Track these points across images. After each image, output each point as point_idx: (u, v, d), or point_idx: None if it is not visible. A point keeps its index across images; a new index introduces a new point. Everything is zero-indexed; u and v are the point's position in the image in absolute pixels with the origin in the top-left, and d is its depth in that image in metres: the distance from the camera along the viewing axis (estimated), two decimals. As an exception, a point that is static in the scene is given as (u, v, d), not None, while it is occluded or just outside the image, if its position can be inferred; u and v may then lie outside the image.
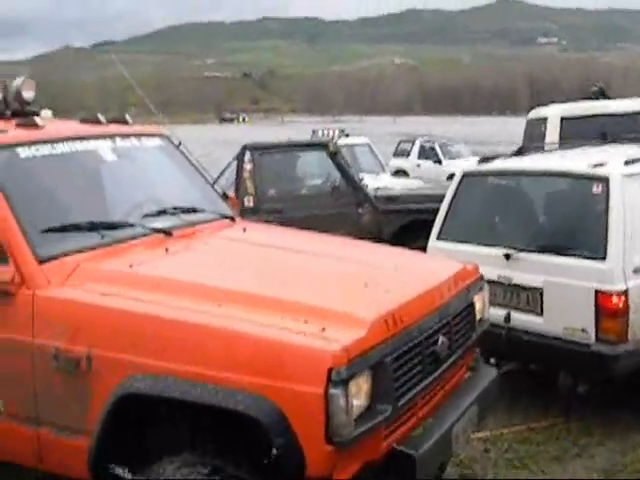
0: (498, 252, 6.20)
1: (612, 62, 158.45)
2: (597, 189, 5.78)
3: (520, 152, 7.17)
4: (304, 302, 3.49)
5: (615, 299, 5.53)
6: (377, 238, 9.75)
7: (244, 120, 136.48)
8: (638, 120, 11.30)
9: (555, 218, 6.32)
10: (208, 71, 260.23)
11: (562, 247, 5.93)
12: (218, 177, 10.34)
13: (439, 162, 26.81)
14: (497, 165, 6.75)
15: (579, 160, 6.20)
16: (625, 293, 5.53)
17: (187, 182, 5.36)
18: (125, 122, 5.15)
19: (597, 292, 5.59)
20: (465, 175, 6.87)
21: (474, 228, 6.76)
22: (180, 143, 5.70)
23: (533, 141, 12.07)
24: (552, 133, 11.36)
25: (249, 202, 9.97)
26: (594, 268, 5.64)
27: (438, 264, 4.73)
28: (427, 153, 27.68)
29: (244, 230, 4.93)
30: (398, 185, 13.97)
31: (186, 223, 4.62)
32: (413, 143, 28.66)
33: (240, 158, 10.11)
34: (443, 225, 6.88)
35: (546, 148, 8.35)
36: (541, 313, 5.99)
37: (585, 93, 19.07)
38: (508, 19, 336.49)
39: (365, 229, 9.87)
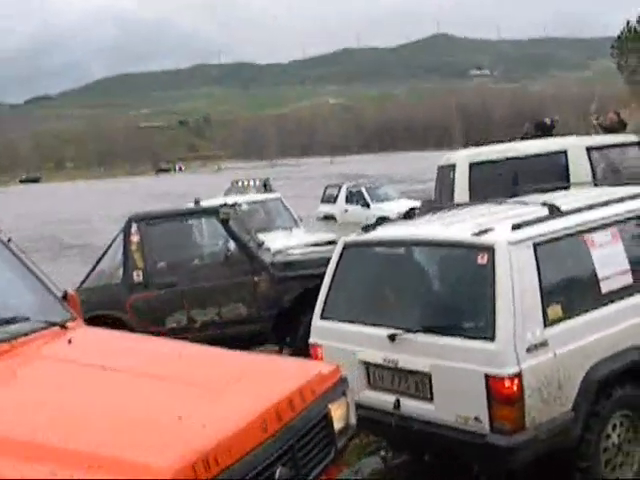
0: (382, 333, 5.57)
1: (543, 90, 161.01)
2: (482, 260, 5.19)
3: (409, 215, 6.57)
4: (90, 451, 2.87)
5: (507, 383, 4.92)
6: (277, 307, 9.17)
7: (180, 169, 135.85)
8: (548, 161, 10.89)
9: (440, 294, 5.71)
10: (144, 121, 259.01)
11: (448, 327, 5.32)
12: (103, 254, 9.69)
13: (367, 206, 26.43)
14: (379, 234, 6.14)
15: (465, 226, 5.59)
16: (518, 376, 4.92)
17: (9, 286, 4.65)
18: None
19: (487, 377, 4.98)
20: (346, 246, 6.25)
21: (358, 305, 6.15)
22: (10, 239, 5.02)
23: (443, 189, 11.60)
24: (461, 180, 10.88)
25: (138, 277, 9.33)
26: (482, 350, 5.03)
27: (285, 374, 4.06)
28: (354, 197, 27.36)
29: (69, 342, 4.23)
30: (312, 238, 13.40)
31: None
32: (339, 188, 28.33)
33: (126, 231, 9.46)
34: (326, 302, 6.25)
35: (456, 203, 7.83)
36: (431, 399, 5.37)
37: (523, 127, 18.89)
38: (441, 53, 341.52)
39: (263, 298, 9.27)
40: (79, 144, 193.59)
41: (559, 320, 5.17)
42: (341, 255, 6.22)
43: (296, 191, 44.21)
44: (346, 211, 27.12)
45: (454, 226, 5.72)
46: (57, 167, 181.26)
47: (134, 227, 9.45)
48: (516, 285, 5.03)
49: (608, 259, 5.55)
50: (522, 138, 17.73)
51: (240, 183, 25.12)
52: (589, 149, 10.94)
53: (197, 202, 14.84)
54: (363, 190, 27.22)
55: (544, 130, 18.28)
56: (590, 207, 5.75)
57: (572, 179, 10.73)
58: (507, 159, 10.91)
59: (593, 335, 5.28)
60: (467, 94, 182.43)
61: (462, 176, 10.90)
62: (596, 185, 10.73)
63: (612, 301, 5.48)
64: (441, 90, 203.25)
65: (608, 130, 18.50)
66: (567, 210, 5.61)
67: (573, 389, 5.16)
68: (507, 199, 6.67)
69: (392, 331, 5.51)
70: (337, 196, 28.15)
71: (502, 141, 14.05)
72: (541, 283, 5.14)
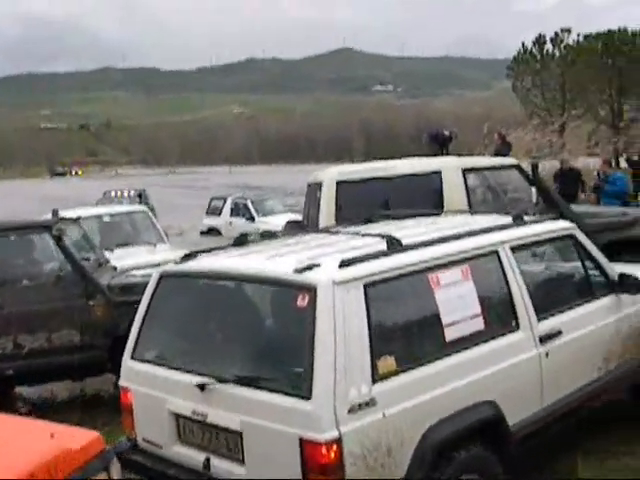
0: (192, 380, 4.72)
1: (443, 107, 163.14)
2: (302, 302, 4.38)
3: (241, 241, 5.72)
4: None
5: (324, 450, 4.12)
6: (113, 334, 8.22)
7: (77, 173, 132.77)
8: (421, 182, 10.23)
9: (257, 339, 4.86)
10: (44, 122, 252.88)
11: (263, 379, 4.49)
12: None
13: (252, 219, 25.56)
14: (199, 265, 5.27)
15: (291, 259, 4.77)
16: (337, 442, 4.13)
17: None
18: None
19: (302, 441, 4.18)
20: (163, 276, 5.37)
21: (171, 346, 5.30)
22: None
23: (311, 209, 10.85)
24: (327, 200, 10.13)
25: (-39, 297, 8.24)
26: (297, 409, 4.22)
27: (29, 445, 3.18)
28: (239, 210, 26.44)
29: None
30: (172, 256, 12.41)
31: None
32: (225, 200, 27.37)
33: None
34: (138, 340, 5.37)
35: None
36: (243, 462, 4.54)
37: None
38: (346, 67, 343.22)
39: (98, 324, 8.32)
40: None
41: (391, 374, 4.40)
42: (157, 286, 5.35)
43: (189, 201, 43.09)
44: (230, 224, 26.14)
45: (280, 259, 4.88)
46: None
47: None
48: (339, 333, 4.24)
49: (455, 302, 4.83)
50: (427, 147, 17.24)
51: (113, 193, 23.95)
52: (465, 171, 10.33)
53: (55, 213, 13.78)
54: (249, 203, 26.28)
55: (441, 142, 17.80)
56: (438, 240, 5.01)
57: (446, 203, 10.11)
58: (377, 178, 10.22)
59: (433, 391, 4.54)
60: (370, 109, 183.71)
61: (328, 195, 10.15)
62: (471, 212, 10.18)
63: (458, 350, 4.76)
64: (344, 104, 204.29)
65: (494, 152, 18.23)
66: (409, 244, 4.85)
67: (406, 454, 4.39)
68: (345, 227, 5.86)
69: (202, 379, 4.66)
70: (222, 208, 27.16)
71: (406, 156, 13.49)
72: (371, 331, 4.37)
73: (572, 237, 5.91)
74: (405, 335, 4.67)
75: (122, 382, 5.40)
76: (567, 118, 32.83)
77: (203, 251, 5.53)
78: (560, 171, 17.17)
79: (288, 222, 11.49)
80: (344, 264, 4.45)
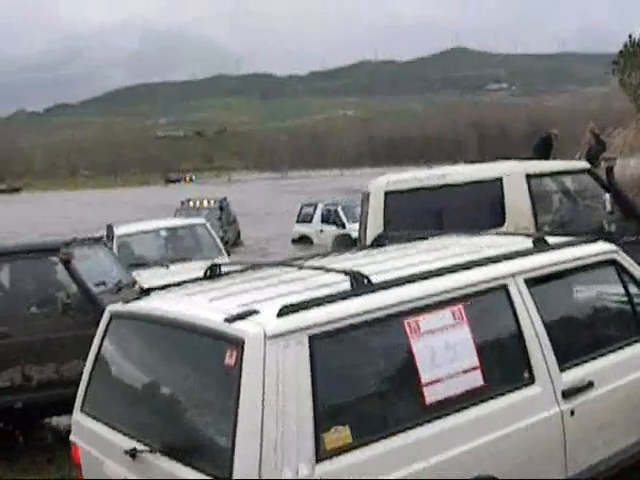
0: (126, 445, 3.89)
1: (559, 105, 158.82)
2: (230, 359, 3.50)
3: (212, 273, 4.85)
4: None
5: None
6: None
7: (192, 180, 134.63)
8: (479, 191, 9.18)
9: (187, 400, 3.94)
10: (161, 131, 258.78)
11: (187, 451, 3.62)
12: None
13: (343, 226, 24.61)
14: (144, 305, 4.42)
15: (231, 302, 3.88)
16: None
17: None
18: None
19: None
20: (112, 316, 4.57)
21: (112, 400, 4.46)
22: None
23: (362, 221, 9.94)
24: (375, 212, 9.21)
25: (-32, 324, 7.68)
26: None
27: None
28: (330, 217, 25.48)
29: None
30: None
31: None
32: (315, 207, 26.50)
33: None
34: (87, 390, 4.57)
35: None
36: None
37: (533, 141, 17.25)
38: (459, 67, 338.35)
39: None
40: (94, 153, 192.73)
41: (344, 450, 3.48)
42: (106, 327, 4.55)
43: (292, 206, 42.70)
44: (321, 231, 25.28)
45: (222, 302, 3.97)
46: (71, 175, 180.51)
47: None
48: (270, 399, 3.35)
49: (441, 353, 3.85)
50: (533, 150, 16.13)
51: (192, 203, 23.31)
52: (530, 177, 9.22)
53: (109, 228, 13.27)
54: (339, 209, 25.33)
55: (544, 145, 16.62)
56: (422, 275, 4.03)
57: (508, 214, 9.04)
58: (430, 188, 9.22)
59: (404, 469, 3.59)
60: (484, 108, 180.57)
61: (376, 207, 9.23)
62: (537, 228, 9.06)
63: (444, 415, 3.78)
64: (457, 104, 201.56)
65: (587, 152, 16.86)
66: (380, 282, 3.88)
67: None
68: (311, 261, 4.88)
69: (133, 444, 3.84)
70: (313, 215, 26.33)
71: (519, 157, 12.62)
72: (317, 395, 3.46)
73: (614, 263, 4.81)
74: (366, 399, 3.72)
75: (71, 436, 4.63)
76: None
77: (167, 285, 4.71)
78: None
79: (336, 237, 10.56)
80: (285, 311, 3.54)
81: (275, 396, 3.35)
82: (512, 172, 9.21)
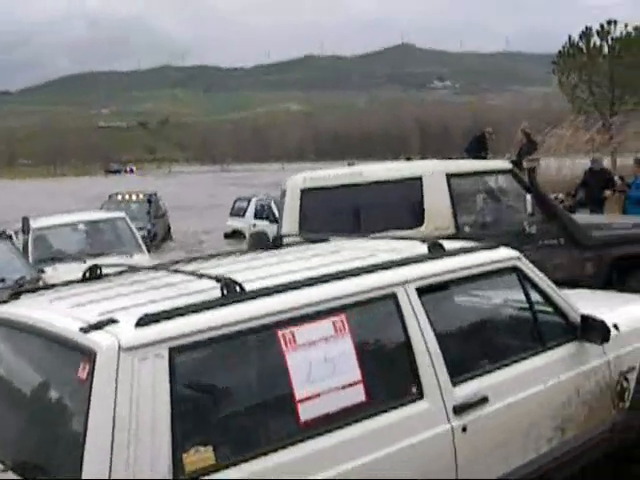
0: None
1: (501, 104, 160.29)
2: (82, 372, 3.19)
3: (92, 275, 4.51)
4: None
5: None
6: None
7: (131, 171, 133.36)
8: (398, 190, 8.95)
9: (43, 415, 3.60)
10: (104, 121, 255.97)
11: (38, 468, 3.30)
12: None
13: (276, 221, 24.23)
14: (4, 310, 4.06)
15: (93, 309, 3.56)
16: None
17: None
18: None
19: None
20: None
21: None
22: None
23: (279, 219, 9.67)
24: (290, 210, 8.92)
25: None
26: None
27: None
28: (264, 212, 25.12)
29: None
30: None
31: None
32: (249, 201, 26.11)
33: None
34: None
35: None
36: None
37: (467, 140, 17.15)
38: (403, 64, 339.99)
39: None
40: (34, 142, 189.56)
41: (207, 471, 3.19)
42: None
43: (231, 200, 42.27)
44: (254, 226, 24.89)
45: (84, 308, 3.64)
46: (9, 164, 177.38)
47: None
48: (124, 416, 3.04)
49: (320, 367, 3.57)
50: (466, 151, 15.98)
51: (120, 197, 22.71)
52: (450, 176, 9.03)
53: (25, 220, 12.80)
54: (272, 204, 25.00)
55: (478, 143, 16.50)
56: (303, 283, 3.74)
57: (427, 214, 8.84)
58: (348, 185, 8.96)
59: (273, 492, 3.30)
60: (427, 105, 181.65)
61: (291, 205, 8.95)
62: (457, 228, 8.88)
63: (319, 434, 3.50)
64: (401, 100, 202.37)
65: (518, 151, 16.81)
66: (254, 290, 3.59)
67: None
68: (190, 265, 4.56)
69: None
70: (246, 210, 25.95)
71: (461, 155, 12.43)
72: (176, 412, 3.16)
73: (516, 269, 4.57)
74: (233, 417, 3.42)
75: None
76: (616, 114, 31.09)
77: (40, 288, 4.37)
78: (589, 172, 15.27)
79: (252, 235, 10.24)
80: (144, 321, 3.23)
81: (128, 413, 3.05)
82: (432, 171, 9.02)
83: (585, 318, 4.64)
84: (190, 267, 4.29)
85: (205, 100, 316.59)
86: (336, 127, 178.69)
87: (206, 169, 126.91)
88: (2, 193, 68.19)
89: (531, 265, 4.63)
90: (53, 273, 11.45)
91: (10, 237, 9.16)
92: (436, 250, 4.30)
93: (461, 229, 8.88)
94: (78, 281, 4.49)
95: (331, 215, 8.86)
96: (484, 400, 4.05)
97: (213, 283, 3.55)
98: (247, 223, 25.48)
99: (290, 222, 8.86)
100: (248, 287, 3.56)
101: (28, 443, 3.45)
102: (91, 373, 3.11)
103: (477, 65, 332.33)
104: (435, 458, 3.86)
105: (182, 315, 3.30)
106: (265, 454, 3.32)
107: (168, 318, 3.27)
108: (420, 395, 3.86)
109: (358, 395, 3.64)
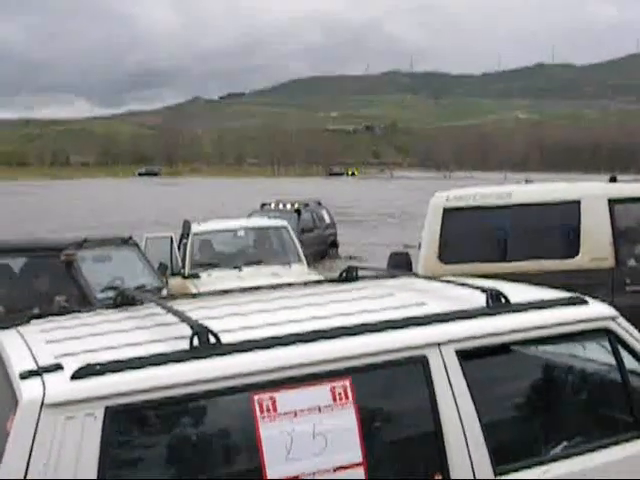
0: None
1: None
2: (10, 423, 2.74)
3: (122, 301, 4.09)
4: None
5: None
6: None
7: (352, 174, 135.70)
8: (549, 215, 8.07)
9: None
10: (332, 124, 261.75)
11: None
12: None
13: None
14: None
15: (50, 349, 3.11)
16: None
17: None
18: None
19: None
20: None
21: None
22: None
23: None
24: (431, 232, 8.26)
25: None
26: None
27: None
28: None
29: None
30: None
31: None
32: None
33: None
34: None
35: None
36: None
37: None
38: (639, 74, 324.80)
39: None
40: (261, 142, 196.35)
41: None
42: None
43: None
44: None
45: (52, 345, 3.17)
46: (237, 163, 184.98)
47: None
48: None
49: (305, 442, 2.92)
50: None
51: (273, 205, 21.71)
52: (613, 201, 8.04)
53: (186, 224, 12.75)
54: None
55: None
56: (297, 338, 3.09)
57: (583, 242, 7.90)
58: (495, 207, 8.17)
59: None
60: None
61: (433, 225, 8.26)
62: (617, 261, 7.86)
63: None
64: (635, 113, 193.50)
65: None
66: (230, 343, 2.99)
67: None
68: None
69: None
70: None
71: None
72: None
73: (608, 332, 3.67)
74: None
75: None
76: None
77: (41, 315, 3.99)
78: None
79: (392, 254, 9.58)
80: (82, 373, 2.72)
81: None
82: (592, 194, 8.04)
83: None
84: (189, 305, 3.76)
85: (432, 106, 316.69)
86: (564, 138, 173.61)
87: (427, 175, 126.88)
88: (221, 190, 70.73)
89: (631, 327, 3.74)
90: (207, 279, 11.31)
91: (137, 244, 8.99)
92: (497, 303, 3.51)
93: (622, 261, 7.86)
94: (110, 305, 4.10)
95: (475, 239, 8.14)
96: (537, 497, 3.24)
97: (188, 330, 3.00)
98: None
99: (429, 244, 8.20)
100: (226, 338, 2.97)
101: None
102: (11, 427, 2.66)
103: None
104: None
105: (130, 368, 2.77)
106: None
107: (112, 371, 2.75)
108: (446, 484, 3.12)
109: (356, 474, 2.97)
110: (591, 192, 8.12)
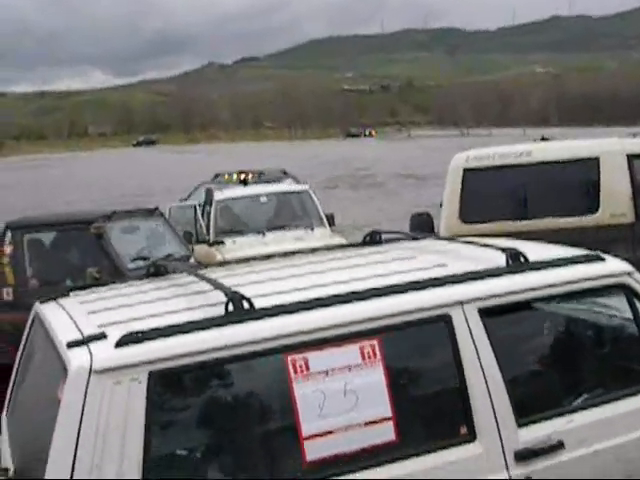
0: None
1: None
2: (60, 390, 2.95)
3: (155, 271, 4.26)
4: None
5: None
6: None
7: (370, 134, 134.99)
8: (570, 172, 8.16)
9: (31, 419, 3.42)
10: (347, 84, 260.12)
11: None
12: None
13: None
14: (42, 307, 3.91)
15: (96, 319, 3.29)
16: None
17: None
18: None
19: None
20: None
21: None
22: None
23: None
24: (452, 191, 8.36)
25: (8, 295, 7.55)
26: None
27: None
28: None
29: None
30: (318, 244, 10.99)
31: None
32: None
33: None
34: (11, 395, 4.17)
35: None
36: None
37: None
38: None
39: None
40: (277, 105, 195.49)
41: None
42: (31, 326, 4.11)
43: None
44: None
45: (94, 316, 3.36)
46: (254, 128, 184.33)
47: (9, 235, 7.67)
48: (87, 447, 2.76)
49: (337, 400, 3.09)
50: None
51: (227, 175, 20.20)
52: (632, 157, 8.12)
53: (209, 192, 12.92)
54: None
55: None
56: (325, 302, 3.23)
57: (603, 199, 8.00)
58: (515, 165, 8.27)
59: None
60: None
61: (454, 185, 8.38)
62: (637, 216, 7.97)
63: (329, 477, 3.03)
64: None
65: None
66: (264, 307, 3.15)
67: None
68: (217, 271, 4.12)
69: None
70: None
71: None
72: (150, 447, 2.82)
73: (624, 287, 3.79)
74: (220, 454, 3.03)
75: None
76: None
77: (80, 287, 4.18)
78: None
79: (413, 216, 9.70)
80: (125, 340, 2.90)
81: (93, 444, 2.75)
82: (610, 151, 8.12)
83: None
84: (221, 272, 3.93)
85: (448, 63, 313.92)
86: (583, 91, 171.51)
87: (444, 133, 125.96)
88: (248, 155, 70.62)
89: (642, 278, 3.85)
90: (232, 246, 11.48)
91: (162, 214, 9.18)
92: (516, 262, 3.64)
93: (641, 216, 7.98)
94: (143, 276, 4.27)
95: (496, 198, 8.26)
96: (559, 446, 3.38)
97: (222, 297, 3.16)
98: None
99: (451, 204, 8.32)
100: (259, 303, 3.13)
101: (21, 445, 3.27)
102: (62, 394, 2.85)
103: None
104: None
105: (170, 335, 2.94)
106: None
107: (154, 338, 2.92)
108: (471, 436, 3.28)
109: (385, 434, 3.14)
110: (610, 148, 8.19)
